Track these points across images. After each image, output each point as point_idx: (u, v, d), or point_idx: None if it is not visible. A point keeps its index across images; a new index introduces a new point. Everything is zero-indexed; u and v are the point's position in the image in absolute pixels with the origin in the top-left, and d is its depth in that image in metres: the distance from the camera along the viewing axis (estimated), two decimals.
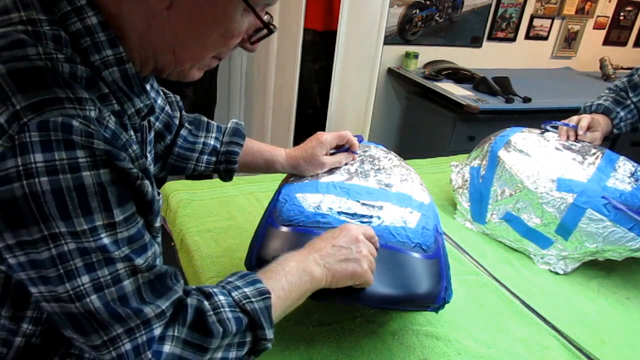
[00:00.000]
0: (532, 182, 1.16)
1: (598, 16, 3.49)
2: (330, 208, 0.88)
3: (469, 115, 2.43)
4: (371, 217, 0.88)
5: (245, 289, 0.64)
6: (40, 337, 0.60)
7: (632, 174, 1.16)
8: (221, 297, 0.62)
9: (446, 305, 0.85)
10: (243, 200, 1.32)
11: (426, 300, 0.82)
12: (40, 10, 0.51)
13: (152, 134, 0.79)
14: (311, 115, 2.65)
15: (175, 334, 0.56)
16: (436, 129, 2.69)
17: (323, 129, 2.07)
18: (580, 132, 1.31)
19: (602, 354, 0.93)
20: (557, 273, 1.16)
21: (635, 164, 1.20)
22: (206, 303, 0.60)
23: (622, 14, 3.59)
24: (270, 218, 0.89)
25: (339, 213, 0.88)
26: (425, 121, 2.85)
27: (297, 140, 1.07)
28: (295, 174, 1.01)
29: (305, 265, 0.72)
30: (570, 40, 3.49)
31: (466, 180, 1.32)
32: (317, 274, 0.72)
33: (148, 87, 0.71)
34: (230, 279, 0.66)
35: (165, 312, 0.56)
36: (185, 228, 1.19)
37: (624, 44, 3.72)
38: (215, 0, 0.56)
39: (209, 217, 1.23)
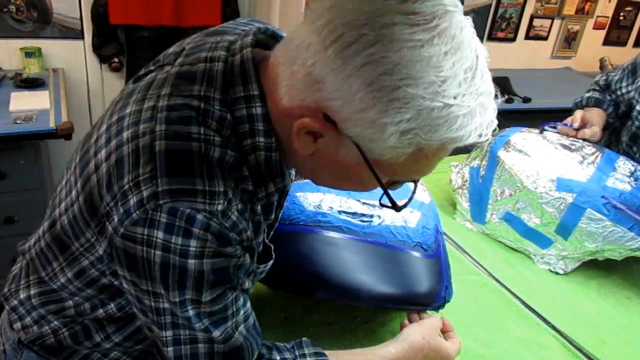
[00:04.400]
0: (532, 182, 1.16)
1: (598, 16, 3.50)
2: (330, 207, 0.88)
3: None
4: (372, 216, 0.88)
5: None
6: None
7: (632, 174, 1.16)
8: None
9: (446, 305, 0.85)
10: None
11: (427, 299, 0.82)
12: (219, 89, 0.57)
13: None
14: None
15: None
16: None
17: None
18: (575, 125, 1.32)
19: (602, 354, 0.93)
20: (557, 273, 1.16)
21: (635, 164, 1.20)
22: None
23: (622, 14, 3.59)
24: None
25: (340, 212, 0.88)
26: None
27: None
28: None
29: None
30: (570, 40, 3.49)
31: (466, 181, 1.32)
32: None
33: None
34: (305, 350, 0.69)
35: None
36: None
37: (624, 44, 3.72)
38: (349, 167, 0.57)
39: None
